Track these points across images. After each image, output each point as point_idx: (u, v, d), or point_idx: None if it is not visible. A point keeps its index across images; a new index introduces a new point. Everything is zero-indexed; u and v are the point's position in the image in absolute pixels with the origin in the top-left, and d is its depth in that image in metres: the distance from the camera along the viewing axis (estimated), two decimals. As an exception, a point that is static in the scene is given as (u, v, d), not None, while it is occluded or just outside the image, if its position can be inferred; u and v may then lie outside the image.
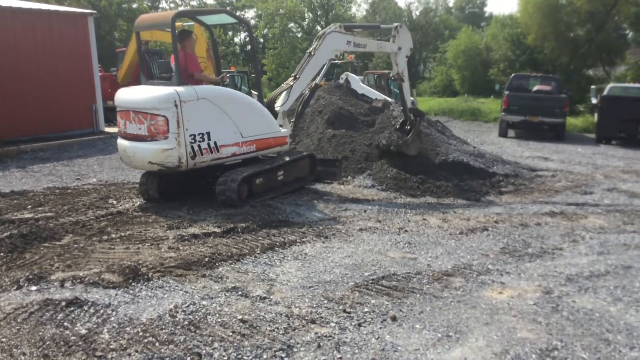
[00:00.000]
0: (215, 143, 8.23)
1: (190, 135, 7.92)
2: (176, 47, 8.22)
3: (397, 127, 10.94)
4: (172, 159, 7.86)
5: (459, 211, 8.64)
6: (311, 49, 9.55)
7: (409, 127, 10.74)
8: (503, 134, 19.93)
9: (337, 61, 20.81)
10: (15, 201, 8.73)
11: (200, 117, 8.03)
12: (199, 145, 8.03)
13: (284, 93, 9.47)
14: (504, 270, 5.97)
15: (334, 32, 9.61)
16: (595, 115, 20.09)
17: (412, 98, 11.20)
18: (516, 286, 5.53)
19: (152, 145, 7.95)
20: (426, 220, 8.00)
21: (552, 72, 28.16)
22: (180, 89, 7.94)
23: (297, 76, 9.38)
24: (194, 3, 58.85)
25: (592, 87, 22.19)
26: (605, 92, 19.29)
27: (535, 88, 20.04)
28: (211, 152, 8.22)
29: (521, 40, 31.70)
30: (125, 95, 8.44)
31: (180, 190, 8.92)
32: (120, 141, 8.54)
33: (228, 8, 57.02)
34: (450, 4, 64.69)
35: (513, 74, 22.29)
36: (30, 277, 5.40)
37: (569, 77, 27.87)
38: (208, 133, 8.13)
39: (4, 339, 4.22)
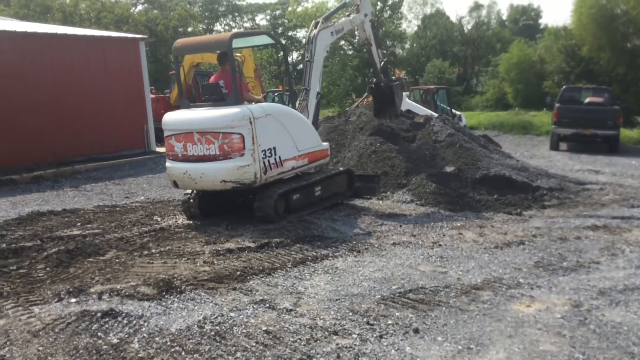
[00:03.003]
0: (279, 157, 8.50)
1: (262, 151, 8.18)
2: (234, 67, 8.48)
3: (372, 85, 12.34)
4: (249, 175, 8.07)
5: (497, 225, 8.55)
6: (308, 56, 9.76)
7: (386, 89, 12.06)
8: (554, 147, 19.58)
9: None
10: (66, 219, 9.17)
11: (268, 133, 8.28)
12: (268, 161, 8.29)
13: (302, 108, 9.64)
14: (535, 284, 5.89)
15: (322, 31, 9.90)
16: (653, 127, 19.51)
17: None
18: (545, 299, 5.46)
19: (226, 163, 8.07)
20: (462, 235, 7.96)
21: (608, 83, 27.40)
22: (251, 106, 8.25)
23: (307, 88, 9.62)
24: (247, 25, 60.24)
25: (649, 97, 21.55)
26: (662, 103, 18.71)
27: (587, 100, 19.62)
28: (277, 167, 8.48)
29: (576, 52, 31.00)
30: (182, 118, 8.51)
31: (220, 207, 9.15)
32: (177, 164, 8.51)
33: (280, 29, 58.11)
34: (504, 17, 64.04)
35: (564, 86, 21.90)
36: (71, 290, 5.70)
37: (626, 88, 27.09)
38: (274, 148, 8.40)
39: (40, 347, 4.49)
